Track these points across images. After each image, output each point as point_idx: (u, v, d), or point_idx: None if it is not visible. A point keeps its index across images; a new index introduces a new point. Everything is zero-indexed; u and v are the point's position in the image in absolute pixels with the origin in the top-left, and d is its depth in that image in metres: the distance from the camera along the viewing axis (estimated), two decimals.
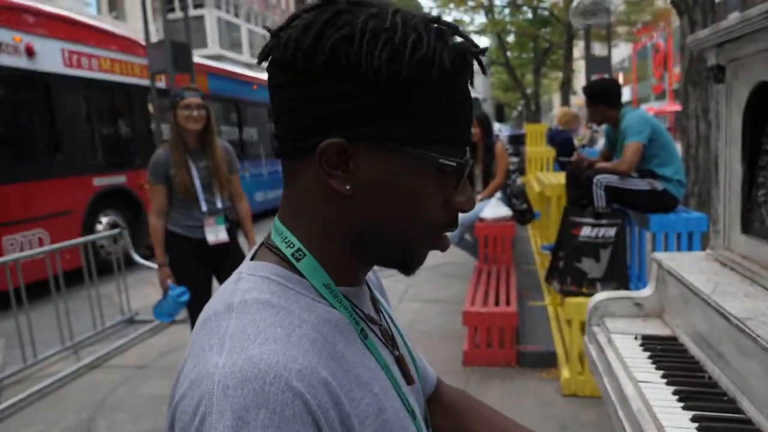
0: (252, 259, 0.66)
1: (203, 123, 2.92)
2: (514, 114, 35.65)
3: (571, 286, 3.15)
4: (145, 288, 5.38)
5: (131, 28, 15.80)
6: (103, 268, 4.77)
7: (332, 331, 0.59)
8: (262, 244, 0.67)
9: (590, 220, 3.11)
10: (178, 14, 7.49)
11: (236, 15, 27.86)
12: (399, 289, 5.43)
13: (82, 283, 4.36)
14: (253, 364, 0.49)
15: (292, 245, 0.63)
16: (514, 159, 16.74)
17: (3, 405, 3.30)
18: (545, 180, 4.68)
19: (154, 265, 3.09)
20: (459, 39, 0.61)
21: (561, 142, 6.99)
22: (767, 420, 1.11)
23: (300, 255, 0.62)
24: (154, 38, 6.83)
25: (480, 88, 12.33)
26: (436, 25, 0.59)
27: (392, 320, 0.78)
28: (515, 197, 5.11)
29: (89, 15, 18.55)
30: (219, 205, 3.04)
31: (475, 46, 0.61)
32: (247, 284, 0.60)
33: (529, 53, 21.33)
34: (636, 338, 1.61)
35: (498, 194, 5.18)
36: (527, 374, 3.45)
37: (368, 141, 0.58)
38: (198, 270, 3.03)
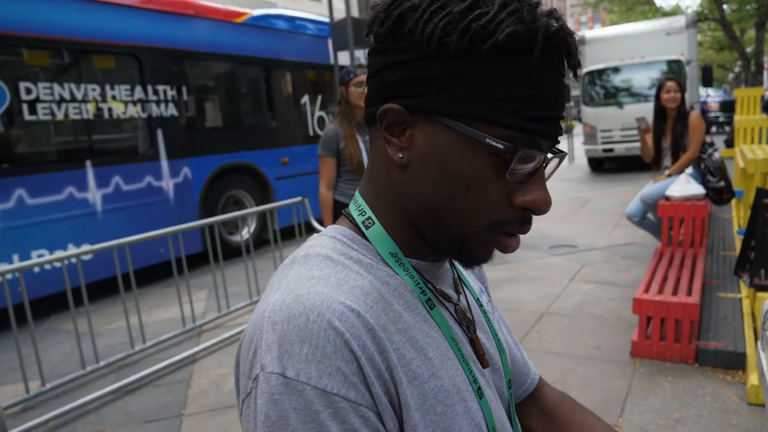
0: None
1: None
2: (730, 77, 31.01)
3: (766, 279, 2.70)
4: None
5: (323, 6, 16.83)
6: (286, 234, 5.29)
7: (391, 293, 0.59)
8: (342, 212, 0.69)
9: None
10: None
11: None
12: (572, 267, 5.17)
13: (269, 246, 4.88)
14: (300, 302, 0.52)
15: (364, 213, 0.64)
16: (726, 128, 14.68)
17: (202, 346, 3.89)
18: (749, 154, 4.03)
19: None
20: (549, 18, 0.54)
21: None
22: None
23: (369, 223, 0.63)
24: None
25: (683, 48, 10.93)
26: (519, 3, 0.54)
27: (481, 307, 0.75)
28: (711, 173, 4.49)
29: None
30: None
31: (559, 24, 0.54)
32: (314, 241, 0.63)
33: (753, 4, 18.26)
34: None
35: (689, 170, 4.60)
36: (706, 374, 3.06)
37: (425, 112, 0.57)
38: None
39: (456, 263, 0.74)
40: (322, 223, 3.58)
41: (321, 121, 7.99)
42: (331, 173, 3.17)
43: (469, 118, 0.55)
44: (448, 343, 0.62)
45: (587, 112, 11.40)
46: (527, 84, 0.54)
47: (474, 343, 0.67)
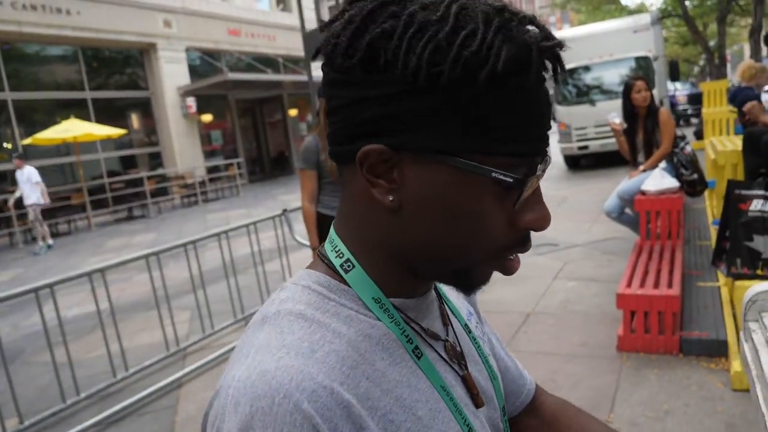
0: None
1: None
2: (695, 70, 31.69)
3: (742, 268, 2.75)
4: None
5: (294, 17, 16.85)
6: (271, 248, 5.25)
7: (374, 348, 0.55)
8: (317, 253, 0.63)
9: (761, 192, 2.66)
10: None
11: None
12: (554, 266, 5.20)
13: (252, 261, 4.83)
14: (266, 381, 0.47)
15: (341, 255, 0.59)
16: (694, 120, 14.97)
17: (186, 370, 3.82)
18: (719, 146, 4.12)
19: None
20: (530, 30, 0.51)
21: (744, 100, 6.05)
22: None
23: (349, 266, 0.58)
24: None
25: (650, 44, 11.22)
26: (501, 16, 0.50)
27: (469, 332, 0.71)
28: (683, 167, 4.58)
29: (262, 10, 20.23)
30: None
31: (549, 38, 0.51)
32: (286, 294, 0.57)
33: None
34: None
35: (663, 164, 4.68)
36: (691, 364, 3.11)
37: (413, 150, 0.52)
38: None
39: (442, 288, 0.72)
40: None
41: None
42: (312, 186, 3.15)
43: (466, 151, 0.51)
44: (438, 393, 0.58)
45: (561, 111, 11.54)
46: (523, 106, 0.51)
47: (466, 381, 0.64)
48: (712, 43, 17.16)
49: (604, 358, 3.30)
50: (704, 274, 4.18)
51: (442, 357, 0.62)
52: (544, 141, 0.55)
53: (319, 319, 0.54)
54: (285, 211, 5.12)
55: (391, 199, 0.53)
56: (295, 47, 18.93)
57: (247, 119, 20.48)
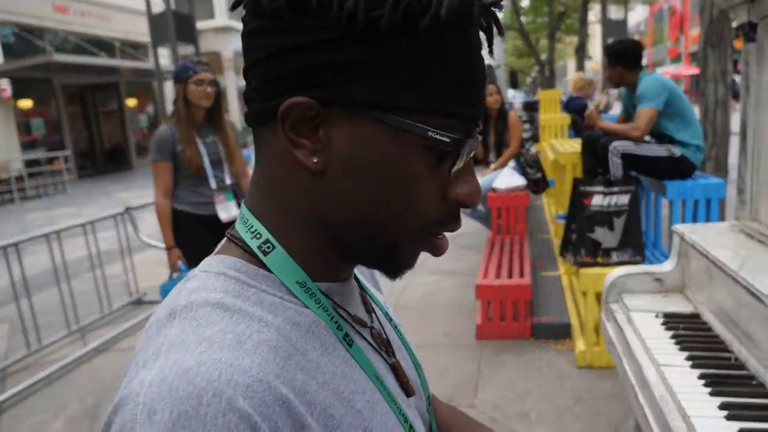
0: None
1: (213, 99, 2.83)
2: (528, 80, 35.04)
3: (586, 257, 3.03)
4: (155, 267, 5.33)
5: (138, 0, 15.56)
6: (110, 249, 4.74)
7: (304, 336, 0.48)
8: (226, 236, 0.55)
9: (601, 189, 2.98)
10: None
11: None
12: None
13: (88, 265, 4.31)
14: (187, 379, 0.38)
15: (259, 236, 0.52)
16: (527, 126, 16.51)
17: (7, 394, 3.25)
18: (560, 148, 4.52)
19: (161, 245, 3.01)
20: None
21: (576, 108, 6.78)
22: None
23: (268, 248, 0.51)
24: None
25: (494, 53, 12.23)
26: None
27: (390, 320, 0.67)
28: (529, 166, 4.97)
29: None
30: (228, 181, 2.97)
31: None
32: (196, 283, 0.49)
33: (544, 18, 20.80)
34: (657, 316, 1.50)
35: (511, 163, 5.05)
36: (542, 347, 3.37)
37: (343, 105, 0.46)
38: (210, 247, 2.95)
39: (360, 276, 0.66)
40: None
41: None
42: (167, 180, 2.87)
43: (402, 108, 0.46)
44: (373, 383, 0.53)
45: None
46: (463, 64, 0.48)
47: (396, 370, 0.60)
48: (543, 57, 19.04)
49: (466, 346, 3.44)
50: (547, 265, 4.56)
51: (371, 344, 0.58)
52: (480, 107, 0.51)
53: (241, 307, 0.47)
54: (128, 209, 4.68)
55: (315, 161, 0.48)
56: (135, 31, 17.48)
57: (76, 107, 18.40)
